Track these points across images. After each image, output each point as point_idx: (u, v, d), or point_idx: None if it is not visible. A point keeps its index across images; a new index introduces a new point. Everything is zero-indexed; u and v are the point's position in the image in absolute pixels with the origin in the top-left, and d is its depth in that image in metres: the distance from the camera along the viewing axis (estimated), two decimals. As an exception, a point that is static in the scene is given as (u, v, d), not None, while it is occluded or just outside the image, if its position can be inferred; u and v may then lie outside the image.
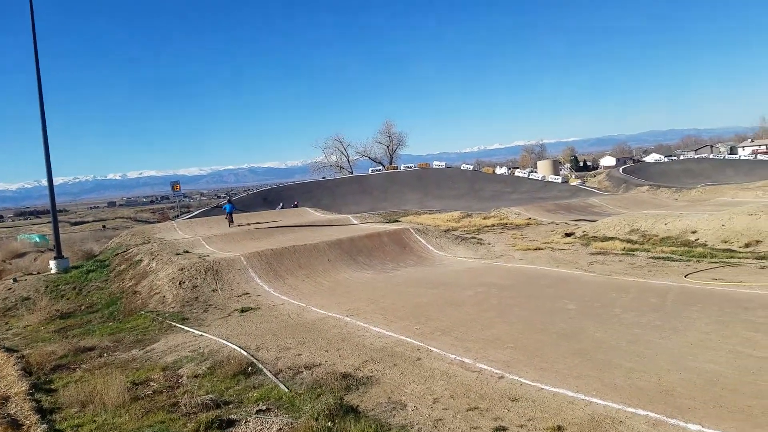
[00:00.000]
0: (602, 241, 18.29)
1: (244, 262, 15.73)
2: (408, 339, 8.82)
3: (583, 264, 14.87)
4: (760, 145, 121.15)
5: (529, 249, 18.23)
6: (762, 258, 14.01)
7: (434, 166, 62.71)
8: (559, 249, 17.99)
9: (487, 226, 25.34)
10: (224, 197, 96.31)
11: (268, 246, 17.89)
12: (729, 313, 8.77)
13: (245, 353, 8.71)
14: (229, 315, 12.01)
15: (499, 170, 63.24)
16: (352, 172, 70.24)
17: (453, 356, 7.74)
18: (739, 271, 12.42)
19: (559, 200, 37.34)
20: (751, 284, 10.80)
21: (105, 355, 9.71)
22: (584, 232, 20.56)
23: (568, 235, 20.78)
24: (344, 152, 75.23)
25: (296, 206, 44.59)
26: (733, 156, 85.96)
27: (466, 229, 24.54)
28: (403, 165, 65.14)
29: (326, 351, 8.60)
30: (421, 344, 8.45)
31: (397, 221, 27.16)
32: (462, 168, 63.25)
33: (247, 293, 13.81)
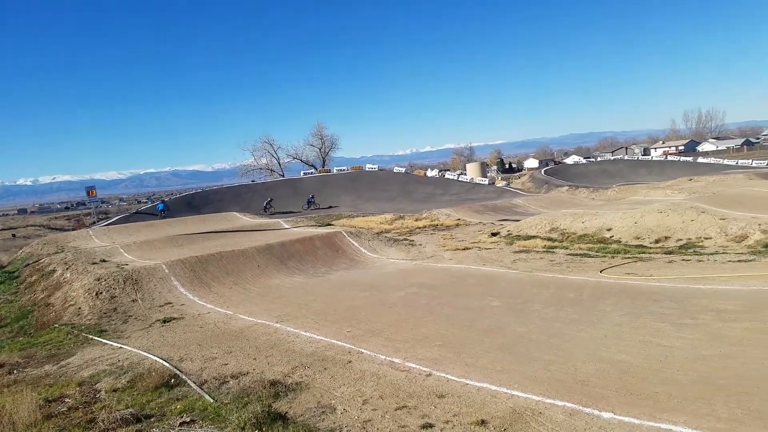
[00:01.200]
0: (525, 240, 19.08)
1: (166, 270, 15.07)
2: (339, 342, 8.78)
3: (508, 262, 15.45)
4: (670, 147, 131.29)
5: (458, 249, 18.70)
6: (670, 253, 15.12)
7: (367, 169, 62.91)
8: (485, 248, 18.58)
9: (419, 228, 25.76)
10: (145, 202, 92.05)
11: (192, 253, 17.24)
12: (639, 306, 9.39)
13: (168, 365, 8.33)
14: (151, 326, 11.45)
15: (431, 173, 64.38)
16: (283, 175, 69.10)
17: (383, 357, 7.78)
18: (650, 266, 13.35)
19: (486, 201, 38.53)
20: (660, 278, 11.63)
21: (15, 372, 8.98)
22: (509, 231, 21.35)
23: (494, 234, 21.50)
24: (274, 155, 73.86)
25: (312, 200, 45.18)
26: (646, 157, 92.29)
27: (398, 230, 24.81)
28: (335, 168, 64.83)
29: (254, 359, 8.40)
30: (352, 347, 8.44)
31: (330, 224, 27.01)
32: (395, 170, 63.92)
33: (170, 303, 13.23)
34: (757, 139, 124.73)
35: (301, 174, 62.43)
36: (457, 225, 26.82)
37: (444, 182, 56.04)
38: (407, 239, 21.80)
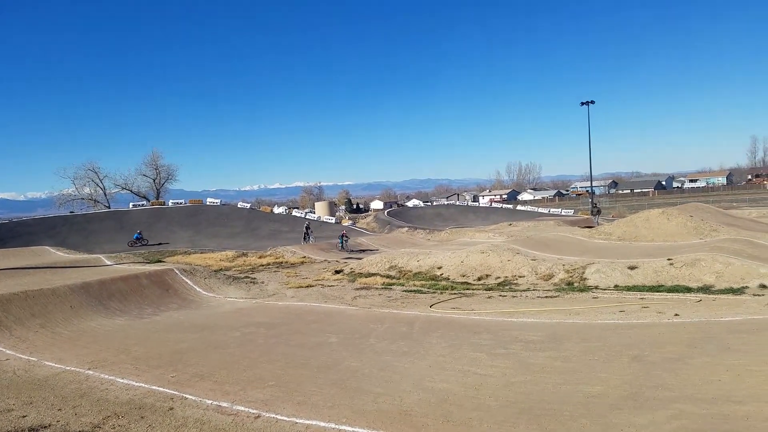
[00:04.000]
0: (366, 277, 19.67)
1: (-50, 313, 12.57)
2: (160, 388, 8.04)
3: (348, 299, 15.73)
4: (495, 195, 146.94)
5: (302, 286, 18.59)
6: (490, 289, 16.71)
7: (208, 203, 59.98)
8: (329, 285, 18.74)
9: (263, 265, 25.11)
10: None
11: (-13, 292, 14.65)
12: (461, 337, 10.15)
13: (-64, 428, 6.84)
14: None
15: (277, 209, 63.66)
16: (109, 207, 62.80)
17: (209, 401, 7.30)
18: (472, 301, 14.59)
19: (332, 240, 39.09)
20: (480, 312, 12.75)
21: None
22: (352, 269, 21.85)
23: (337, 272, 21.82)
24: (100, 184, 67.13)
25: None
26: (475, 203, 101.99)
27: (240, 268, 23.89)
28: (171, 201, 60.66)
29: (59, 410, 7.30)
30: (176, 392, 7.79)
31: (161, 261, 25.03)
32: (239, 206, 61.86)
33: (-49, 352, 10.99)
34: (567, 191, 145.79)
35: (130, 206, 57.33)
36: (303, 262, 26.73)
37: (291, 219, 55.70)
38: (249, 277, 21.09)
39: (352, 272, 21.25)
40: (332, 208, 71.86)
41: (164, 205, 57.95)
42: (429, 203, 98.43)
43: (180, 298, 16.59)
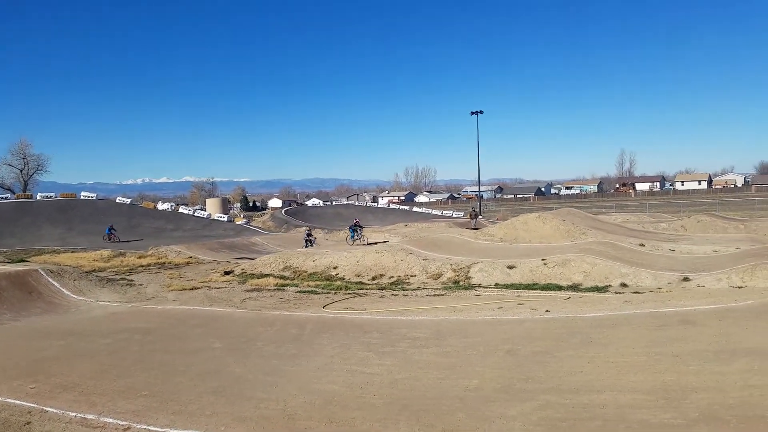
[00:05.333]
0: (258, 278, 19.13)
1: None
2: (16, 402, 7.21)
3: (237, 301, 15.19)
4: (394, 196, 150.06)
5: (185, 289, 17.64)
6: (383, 288, 16.98)
7: (82, 197, 54.94)
8: (216, 287, 17.97)
9: (142, 266, 23.51)
10: None
11: None
12: (352, 337, 10.20)
13: None
14: None
15: (162, 206, 59.91)
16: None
17: (74, 414, 6.67)
18: (365, 300, 14.73)
19: (223, 239, 37.59)
20: (371, 311, 12.91)
21: None
22: (243, 269, 21.15)
23: (227, 273, 21.00)
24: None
25: (356, 225, 32.72)
26: (374, 204, 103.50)
27: (116, 269, 22.17)
28: (39, 194, 54.84)
29: None
30: (35, 405, 7.03)
31: (25, 261, 22.52)
32: (117, 201, 57.31)
33: None
34: (459, 194, 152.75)
35: (-9, 198, 51.10)
36: (189, 263, 25.40)
37: (177, 217, 52.76)
38: (125, 279, 19.62)
39: (243, 273, 20.57)
40: (225, 206, 69.18)
41: (31, 198, 52.22)
42: (329, 203, 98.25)
43: (45, 301, 15.01)
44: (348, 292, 16.32)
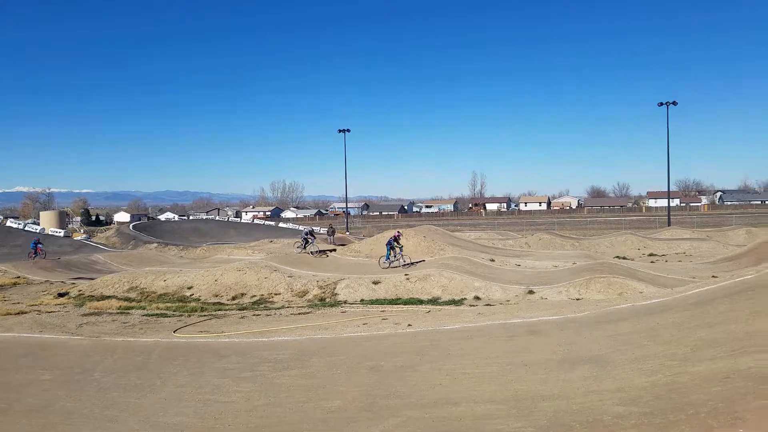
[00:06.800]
0: (98, 300, 17.13)
1: None
2: None
3: (72, 327, 13.39)
4: (259, 211, 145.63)
5: (11, 314, 15.19)
6: (244, 309, 16.15)
7: None
8: (48, 311, 15.74)
9: (-49, 289, 19.83)
10: None
11: None
12: (207, 363, 9.44)
13: None
14: None
15: (-16, 219, 51.76)
16: None
17: None
18: (224, 322, 13.84)
19: (59, 256, 33.32)
20: (230, 334, 12.13)
21: None
22: (80, 291, 18.84)
23: (61, 295, 18.57)
24: None
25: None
26: (237, 219, 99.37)
27: None
28: None
29: None
30: None
31: None
32: (-76, 213, 48.29)
33: None
34: (327, 210, 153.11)
35: None
36: (15, 284, 22.09)
37: (4, 231, 45.82)
38: (-74, 304, 16.34)
39: (80, 295, 18.28)
40: (63, 219, 61.70)
41: None
42: (185, 217, 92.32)
43: None
44: (204, 314, 15.25)
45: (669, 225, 50.59)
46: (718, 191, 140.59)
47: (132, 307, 16.04)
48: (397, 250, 21.47)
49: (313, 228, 27.22)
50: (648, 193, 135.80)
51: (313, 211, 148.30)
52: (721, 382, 5.77)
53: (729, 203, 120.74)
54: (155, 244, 45.22)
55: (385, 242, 22.43)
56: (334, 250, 28.41)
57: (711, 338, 7.91)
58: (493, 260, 23.71)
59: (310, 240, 27.63)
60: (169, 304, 16.46)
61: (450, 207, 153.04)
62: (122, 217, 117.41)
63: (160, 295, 17.93)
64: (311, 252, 26.68)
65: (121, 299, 17.35)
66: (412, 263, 21.36)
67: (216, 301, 17.44)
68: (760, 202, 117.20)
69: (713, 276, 16.74)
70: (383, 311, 14.62)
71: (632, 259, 26.48)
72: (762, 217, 70.45)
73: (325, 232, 41.27)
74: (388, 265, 21.37)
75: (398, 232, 22.43)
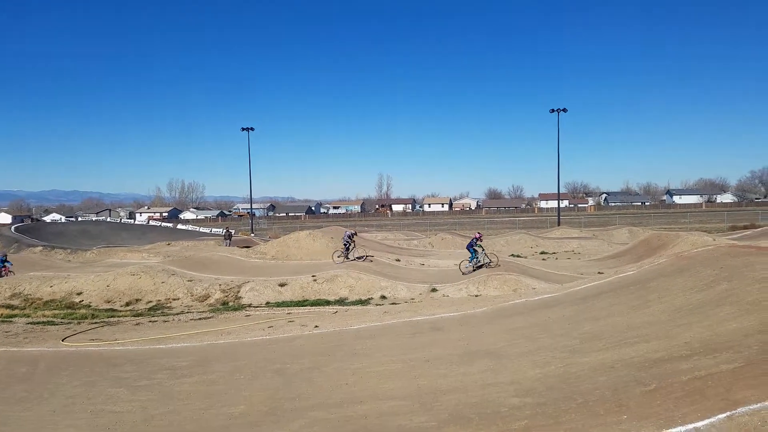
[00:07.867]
0: (-29, 310, 15.44)
1: None
2: None
3: (-63, 341, 11.98)
4: (155, 212, 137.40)
5: None
6: (139, 315, 15.32)
7: None
8: None
9: None
10: None
11: None
12: (99, 373, 8.92)
13: None
14: None
15: None
16: None
17: None
18: (117, 329, 13.07)
19: None
20: (124, 341, 11.50)
21: None
22: (-53, 300, 16.85)
23: None
24: None
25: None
26: (130, 220, 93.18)
27: None
28: None
29: None
30: None
31: None
32: None
33: None
34: (230, 211, 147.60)
35: None
36: None
37: None
38: None
39: (-52, 304, 16.37)
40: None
41: None
42: (73, 218, 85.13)
43: None
44: (95, 321, 14.30)
45: (559, 225, 54.50)
46: (603, 193, 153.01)
47: (15, 315, 14.66)
48: (480, 250, 19.81)
49: (354, 231, 20.76)
50: (540, 194, 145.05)
51: (216, 212, 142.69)
52: (607, 372, 6.45)
53: (613, 204, 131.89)
54: (40, 248, 41.35)
55: (466, 245, 20.86)
56: (370, 256, 23.35)
57: (597, 330, 8.79)
58: (398, 260, 24.34)
59: (351, 246, 23.17)
60: (56, 312, 15.22)
61: (357, 208, 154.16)
62: (3, 218, 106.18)
63: (47, 301, 16.52)
64: (356, 258, 22.75)
65: (3, 306, 15.78)
66: (498, 263, 19.54)
67: (108, 307, 16.39)
68: (640, 204, 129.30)
69: (599, 272, 18.37)
70: (290, 313, 14.55)
71: (526, 257, 28.23)
72: (642, 217, 77.89)
73: (223, 236, 38.27)
74: (473, 269, 19.44)
75: (478, 233, 20.94)
